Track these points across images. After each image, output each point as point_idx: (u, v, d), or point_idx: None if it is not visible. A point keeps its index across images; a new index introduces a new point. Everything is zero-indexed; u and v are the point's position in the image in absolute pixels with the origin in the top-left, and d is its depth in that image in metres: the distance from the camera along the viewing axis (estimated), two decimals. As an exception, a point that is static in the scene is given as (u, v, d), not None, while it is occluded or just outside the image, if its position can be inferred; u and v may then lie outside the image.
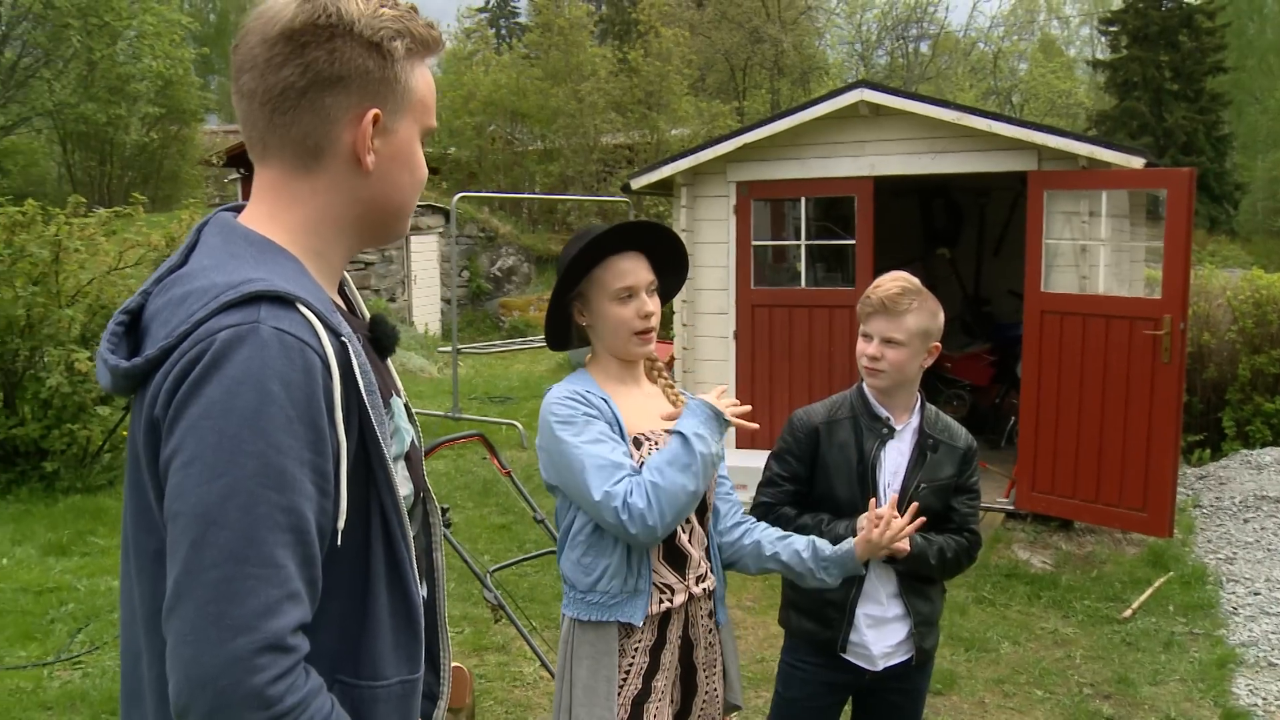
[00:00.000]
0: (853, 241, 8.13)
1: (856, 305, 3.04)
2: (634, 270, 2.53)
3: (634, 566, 2.48)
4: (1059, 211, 7.46)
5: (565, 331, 2.67)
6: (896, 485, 2.97)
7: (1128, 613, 6.16)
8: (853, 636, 3.01)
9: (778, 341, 8.36)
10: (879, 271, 9.22)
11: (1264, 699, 5.13)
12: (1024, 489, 7.62)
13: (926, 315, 2.93)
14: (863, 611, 3.00)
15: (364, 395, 1.44)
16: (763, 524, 2.76)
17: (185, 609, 1.27)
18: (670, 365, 8.71)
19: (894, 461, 2.99)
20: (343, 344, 1.42)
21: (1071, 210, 7.46)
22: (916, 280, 2.99)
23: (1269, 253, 31.98)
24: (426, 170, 1.63)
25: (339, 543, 1.41)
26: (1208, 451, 9.79)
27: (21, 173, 30.58)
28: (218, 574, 1.27)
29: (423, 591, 1.60)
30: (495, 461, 4.79)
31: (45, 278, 8.30)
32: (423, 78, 1.56)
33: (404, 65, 1.51)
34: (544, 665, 4.53)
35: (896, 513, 2.60)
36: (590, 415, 2.46)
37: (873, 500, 2.72)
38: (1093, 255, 7.43)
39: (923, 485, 2.97)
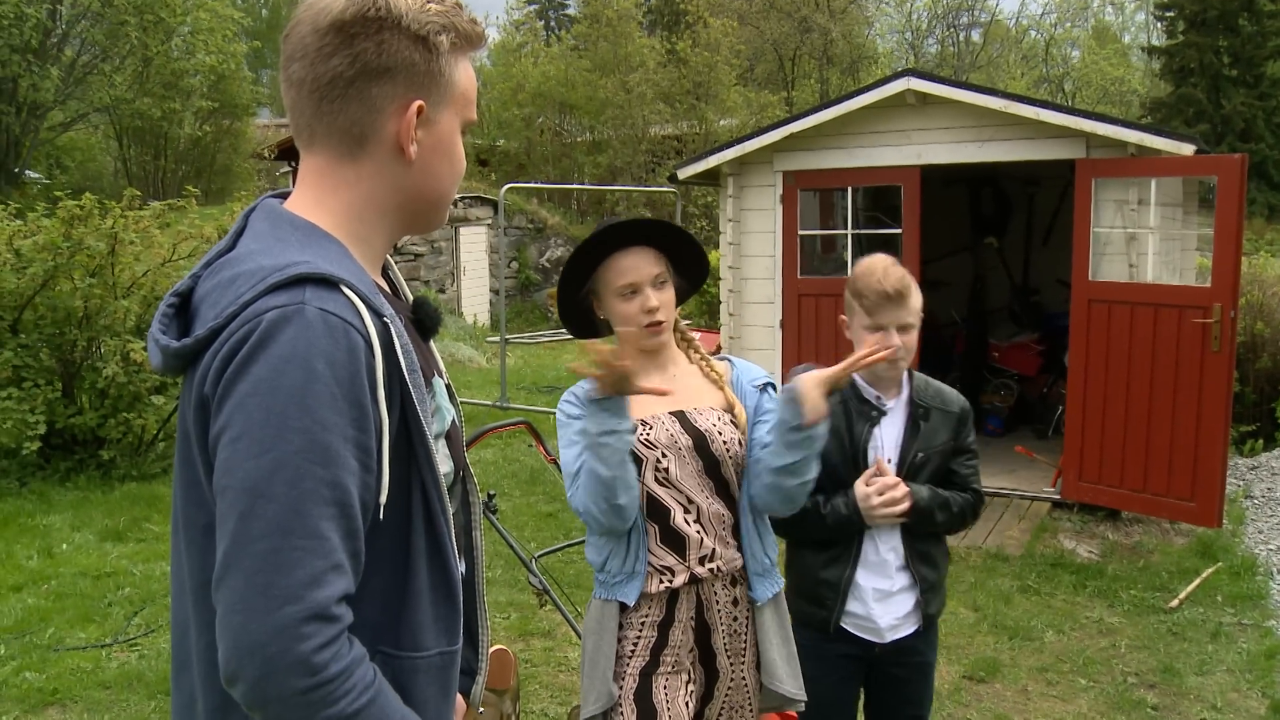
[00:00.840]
0: (899, 231, 8.10)
1: (852, 298, 3.01)
2: (635, 267, 2.61)
3: (631, 550, 2.60)
4: (1108, 199, 7.40)
5: (593, 324, 2.76)
6: (895, 458, 3.02)
7: (1174, 603, 6.12)
8: (857, 609, 3.01)
9: (824, 330, 8.34)
10: (926, 261, 9.10)
11: (1313, 690, 5.08)
12: (1071, 478, 7.57)
13: (918, 291, 2.99)
14: (870, 586, 3.00)
15: (406, 374, 1.48)
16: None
17: (234, 579, 1.32)
18: (717, 353, 8.73)
19: (890, 436, 3.03)
20: (385, 324, 1.46)
21: (1120, 198, 7.39)
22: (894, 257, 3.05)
23: (1329, 241, 31.33)
24: (465, 162, 1.67)
25: (381, 517, 1.45)
26: (1260, 442, 9.66)
27: (79, 168, 31.17)
28: (265, 545, 1.31)
29: (461, 568, 1.64)
30: (541, 449, 4.85)
31: (102, 270, 8.47)
32: (465, 71, 1.60)
33: (448, 59, 1.56)
34: (587, 650, 4.58)
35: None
36: (574, 419, 2.59)
37: (878, 460, 2.89)
38: (1141, 243, 7.35)
39: (920, 453, 3.01)
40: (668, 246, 2.66)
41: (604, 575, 2.65)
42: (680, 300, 2.73)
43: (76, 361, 8.52)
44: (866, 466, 2.99)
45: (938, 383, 3.18)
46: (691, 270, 2.74)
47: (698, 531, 2.60)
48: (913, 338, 2.96)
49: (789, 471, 2.52)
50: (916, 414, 3.04)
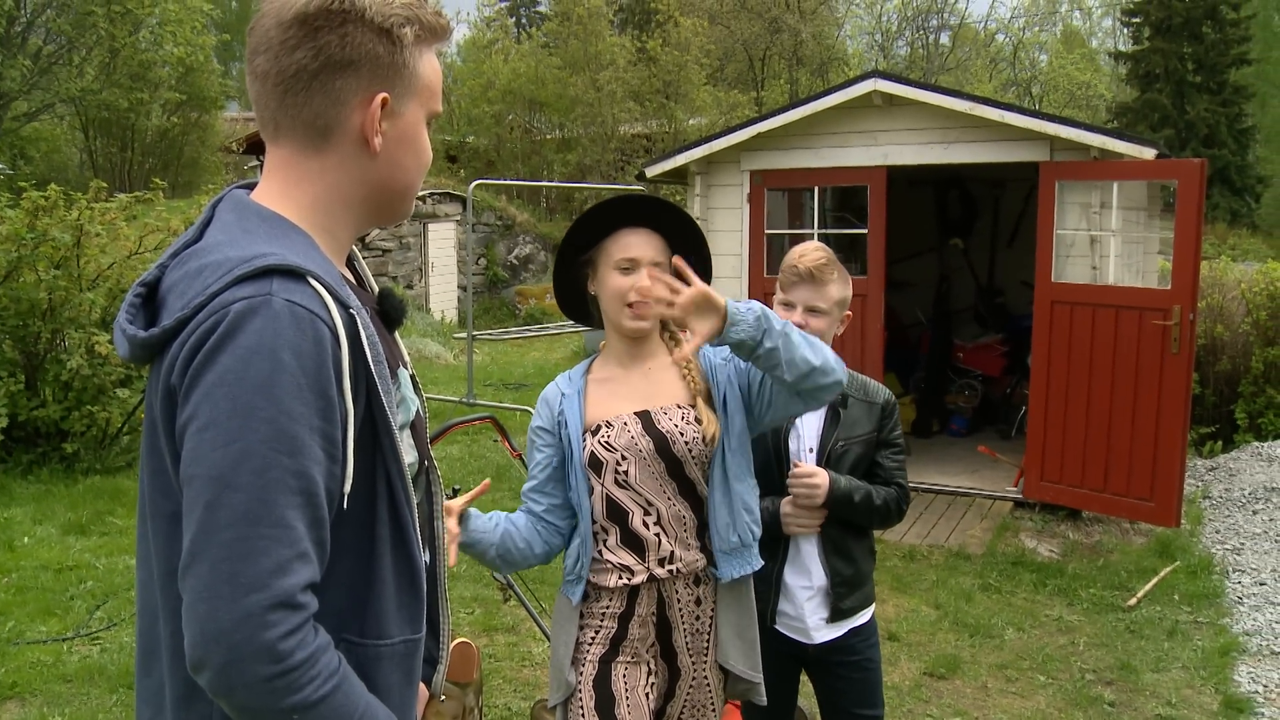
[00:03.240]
0: (866, 231, 8.16)
1: (778, 276, 3.08)
2: (639, 245, 2.60)
3: (573, 554, 2.68)
4: (1071, 202, 7.48)
5: (583, 304, 2.76)
6: (816, 447, 3.08)
7: (1132, 601, 6.20)
8: (788, 609, 3.07)
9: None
10: (892, 261, 9.19)
11: (1265, 686, 5.17)
12: (1032, 478, 7.66)
13: (844, 284, 3.04)
14: (797, 584, 3.06)
15: (371, 365, 1.49)
16: None
17: (200, 567, 1.34)
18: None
19: (812, 426, 3.09)
20: (351, 316, 1.48)
21: (1084, 201, 7.48)
22: (831, 251, 3.08)
23: (1290, 246, 31.74)
24: (431, 153, 1.68)
25: (346, 506, 1.47)
26: (1219, 444, 9.80)
27: (44, 159, 30.78)
28: (231, 534, 1.33)
29: (425, 557, 1.65)
30: (507, 444, 4.85)
31: (67, 262, 8.40)
32: (430, 64, 1.62)
33: (412, 51, 1.57)
34: (552, 645, 4.60)
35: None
36: (539, 429, 2.73)
37: (795, 463, 2.97)
38: (1103, 246, 7.45)
39: (840, 442, 3.07)
40: (677, 245, 2.64)
41: (565, 570, 2.72)
42: None
43: (40, 354, 8.45)
44: (787, 456, 3.06)
45: (863, 376, 3.23)
46: (698, 268, 2.70)
47: (656, 535, 2.59)
48: (821, 323, 2.98)
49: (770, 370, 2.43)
50: (836, 403, 3.08)
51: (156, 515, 1.49)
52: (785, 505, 3.01)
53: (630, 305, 2.60)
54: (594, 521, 2.64)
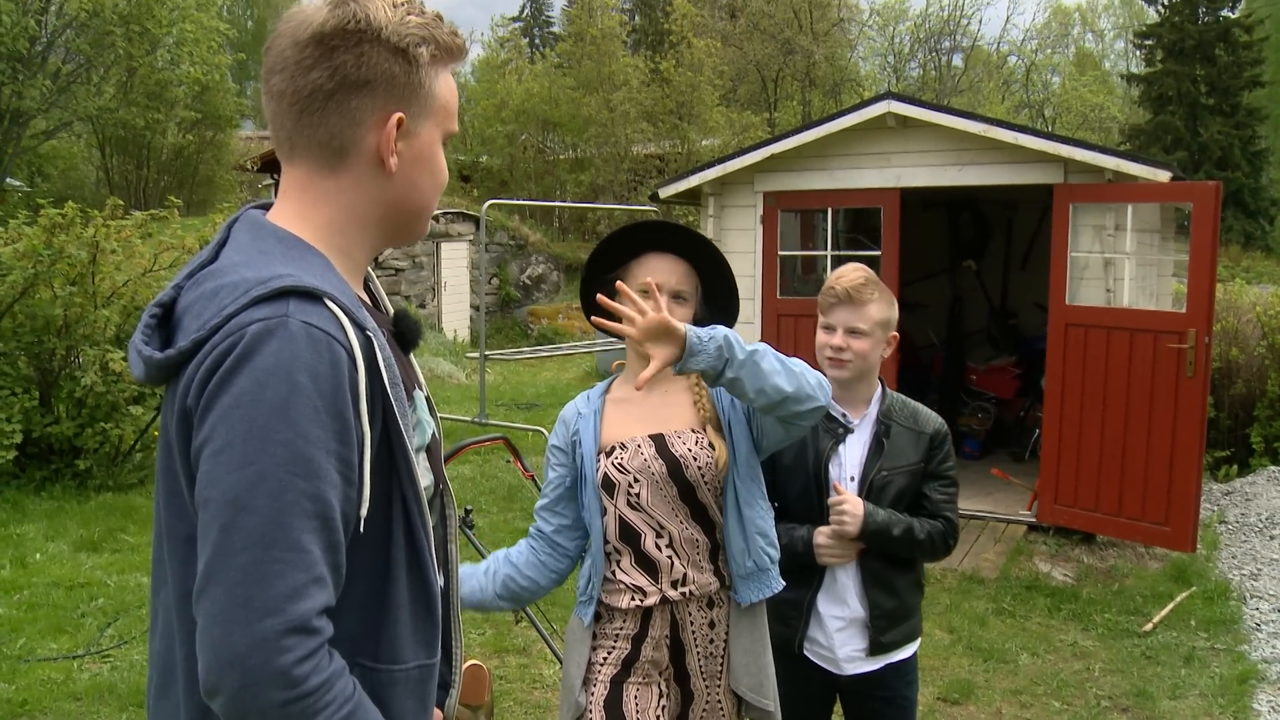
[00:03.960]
0: (879, 252, 8.15)
1: (817, 298, 3.02)
2: (662, 271, 2.61)
3: (593, 572, 2.65)
4: (1085, 224, 7.47)
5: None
6: (858, 476, 2.96)
7: (1148, 626, 6.16)
8: (817, 636, 2.98)
9: (804, 351, 8.25)
10: (905, 283, 9.19)
11: (1283, 714, 5.12)
12: (1046, 502, 7.62)
13: (886, 305, 2.96)
14: (830, 613, 2.96)
15: (388, 388, 1.48)
16: None
17: (215, 591, 1.32)
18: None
19: (855, 454, 2.98)
20: (368, 338, 1.47)
21: (1098, 223, 7.46)
22: (873, 272, 3.02)
23: (1304, 269, 31.63)
24: (447, 173, 1.67)
25: (362, 530, 1.46)
26: (1235, 468, 9.73)
27: (61, 176, 31.03)
28: (247, 558, 1.32)
29: (439, 581, 1.64)
30: (519, 465, 4.84)
31: (82, 279, 8.44)
32: (446, 83, 1.60)
33: (428, 71, 1.56)
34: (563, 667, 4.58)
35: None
36: (555, 448, 2.73)
37: (835, 484, 2.87)
38: (1118, 268, 7.42)
39: (883, 472, 2.95)
40: (704, 275, 2.66)
41: (578, 591, 2.71)
42: None
43: (54, 370, 8.47)
44: (827, 483, 2.95)
45: (915, 404, 3.11)
46: (720, 309, 2.72)
47: (669, 557, 2.58)
48: (863, 344, 2.92)
49: (745, 397, 2.44)
50: (880, 431, 2.99)
51: (172, 538, 1.48)
52: (819, 535, 2.91)
53: None
54: (606, 542, 2.63)
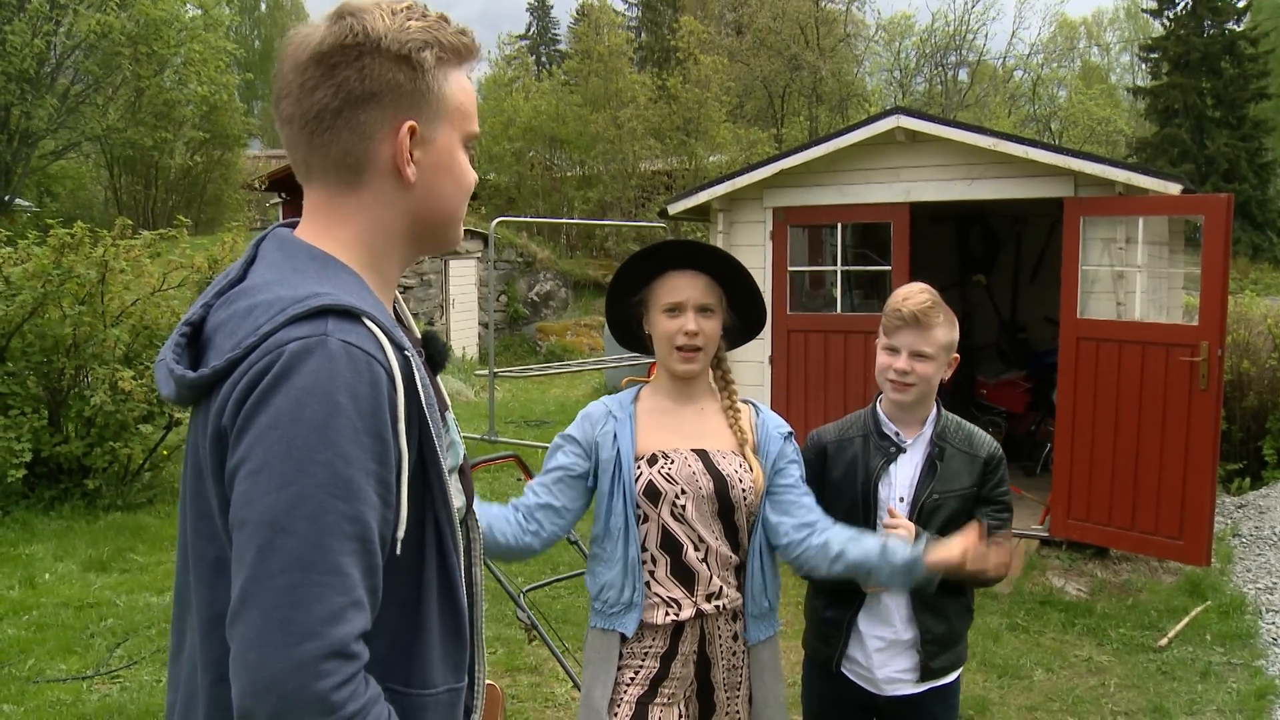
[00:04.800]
0: (889, 268, 8.12)
1: (881, 318, 2.95)
2: (685, 288, 2.63)
3: (628, 581, 2.58)
4: (1095, 238, 7.44)
5: (635, 336, 2.78)
6: (908, 498, 2.90)
7: (1163, 641, 6.11)
8: (856, 655, 2.93)
9: (813, 366, 8.35)
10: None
11: (1302, 730, 5.07)
12: (1059, 516, 7.57)
13: (950, 327, 2.90)
14: (873, 633, 2.91)
15: (425, 409, 1.46)
16: (837, 525, 2.68)
17: (251, 614, 1.29)
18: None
19: (906, 475, 2.91)
20: (406, 358, 1.45)
21: (1108, 236, 7.43)
22: (937, 293, 2.96)
23: (1313, 281, 31.52)
24: (473, 176, 1.63)
25: (398, 552, 1.43)
26: (1247, 480, 9.68)
27: (70, 196, 31.20)
28: (285, 580, 1.28)
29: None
30: (530, 482, 4.82)
31: (91, 298, 8.45)
32: (458, 84, 1.56)
33: (435, 74, 1.52)
34: (576, 686, 4.54)
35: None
36: (569, 437, 2.69)
37: (890, 509, 2.78)
38: (1129, 282, 7.39)
39: (935, 495, 2.87)
40: (727, 284, 2.67)
41: (600, 604, 2.64)
42: (735, 344, 2.74)
43: (64, 390, 8.48)
44: (877, 504, 2.89)
45: (970, 425, 3.04)
46: (746, 312, 2.74)
47: (707, 569, 2.59)
48: (928, 368, 2.84)
49: (858, 575, 2.65)
50: (934, 453, 2.91)
51: (200, 562, 1.45)
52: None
53: (680, 349, 2.62)
54: (644, 550, 2.61)
